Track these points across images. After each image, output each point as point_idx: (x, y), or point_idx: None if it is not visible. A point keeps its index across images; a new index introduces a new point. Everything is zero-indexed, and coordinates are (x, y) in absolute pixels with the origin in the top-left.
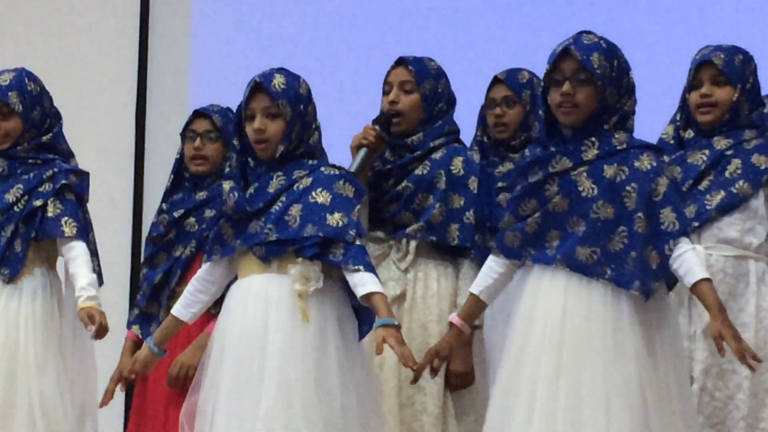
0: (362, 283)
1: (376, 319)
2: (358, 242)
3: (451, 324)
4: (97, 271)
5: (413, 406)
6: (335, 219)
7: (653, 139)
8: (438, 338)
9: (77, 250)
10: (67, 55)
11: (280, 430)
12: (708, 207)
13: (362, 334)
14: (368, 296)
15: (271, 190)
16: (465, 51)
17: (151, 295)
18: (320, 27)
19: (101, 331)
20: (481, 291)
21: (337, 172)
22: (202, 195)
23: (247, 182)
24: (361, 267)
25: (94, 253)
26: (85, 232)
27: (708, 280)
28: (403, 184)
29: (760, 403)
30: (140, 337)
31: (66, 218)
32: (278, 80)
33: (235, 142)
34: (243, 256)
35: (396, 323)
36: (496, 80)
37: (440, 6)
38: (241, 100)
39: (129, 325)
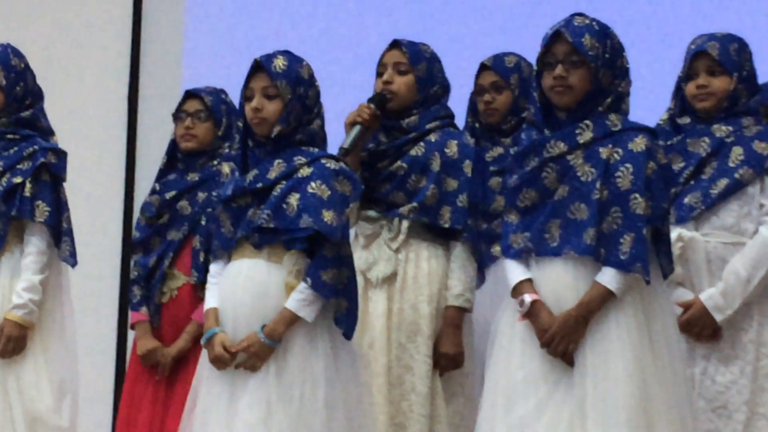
0: (294, 294)
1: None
2: (331, 251)
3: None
4: (71, 251)
5: (402, 386)
6: (329, 216)
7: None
8: (428, 319)
9: (31, 246)
10: (60, 36)
11: (257, 423)
12: (712, 194)
13: (347, 334)
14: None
15: (270, 176)
16: (455, 37)
17: (145, 278)
18: (314, 9)
19: (5, 352)
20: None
21: (337, 167)
22: (194, 176)
23: (247, 165)
24: (309, 280)
25: (67, 233)
26: (56, 215)
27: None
28: (397, 164)
29: (759, 388)
30: (149, 316)
31: (39, 201)
32: (279, 61)
33: (239, 123)
34: (238, 239)
35: (265, 340)
36: (483, 67)
37: None
38: (234, 81)
39: (136, 307)
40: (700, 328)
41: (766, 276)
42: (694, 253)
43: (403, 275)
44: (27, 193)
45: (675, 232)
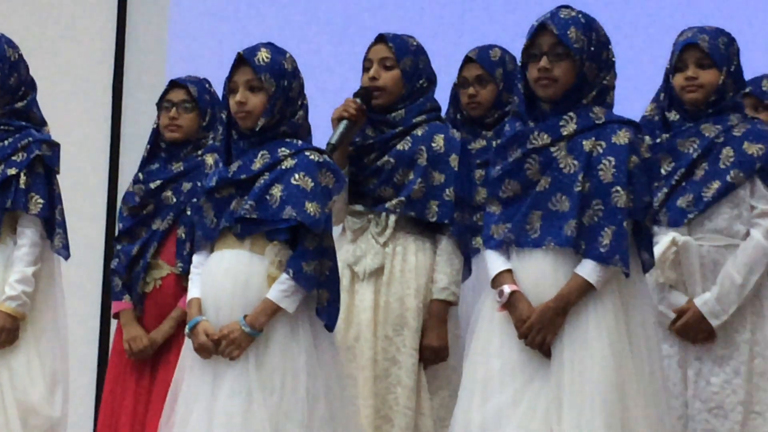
0: (275, 285)
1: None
2: (313, 243)
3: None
4: (64, 243)
5: (388, 379)
6: (312, 207)
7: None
8: (415, 312)
9: (24, 238)
10: (44, 25)
11: (238, 413)
12: (705, 197)
13: (329, 326)
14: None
15: (254, 167)
16: (440, 29)
17: (127, 267)
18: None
19: None
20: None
21: (321, 159)
22: (178, 166)
23: (231, 156)
24: (291, 271)
25: (60, 225)
26: (50, 208)
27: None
28: (384, 159)
29: (754, 387)
30: (133, 304)
31: (33, 194)
32: (263, 54)
33: (223, 115)
34: (221, 230)
35: (247, 329)
36: (467, 59)
37: None
38: (218, 71)
39: (119, 297)
40: (696, 332)
41: (759, 279)
42: (687, 258)
43: (391, 269)
44: (22, 185)
45: (668, 236)
